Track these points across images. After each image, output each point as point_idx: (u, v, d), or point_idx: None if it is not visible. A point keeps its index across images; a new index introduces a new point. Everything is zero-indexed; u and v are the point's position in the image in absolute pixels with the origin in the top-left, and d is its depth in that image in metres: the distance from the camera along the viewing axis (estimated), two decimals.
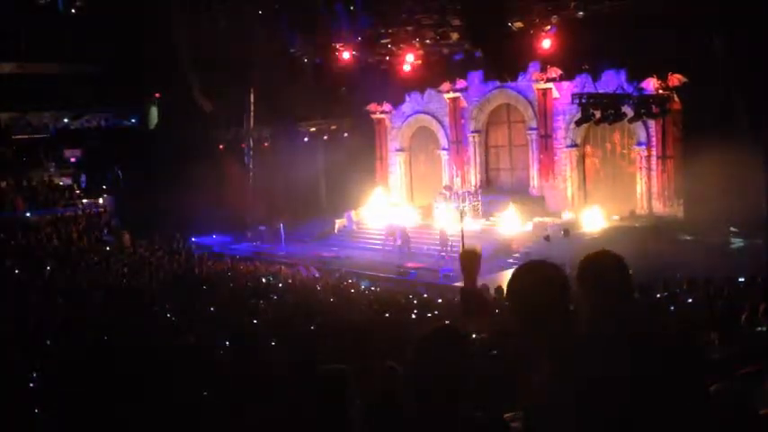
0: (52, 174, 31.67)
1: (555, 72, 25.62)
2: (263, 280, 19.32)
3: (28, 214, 27.87)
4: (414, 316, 13.29)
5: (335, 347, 9.59)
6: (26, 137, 31.38)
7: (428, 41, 27.90)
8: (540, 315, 2.46)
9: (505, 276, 14.83)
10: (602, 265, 2.73)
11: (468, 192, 27.74)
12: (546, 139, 26.57)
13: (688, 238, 21.36)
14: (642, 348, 2.49)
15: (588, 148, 26.27)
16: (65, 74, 30.71)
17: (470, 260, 5.38)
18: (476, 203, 26.90)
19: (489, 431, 2.47)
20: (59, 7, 28.30)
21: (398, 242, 25.97)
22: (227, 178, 31.36)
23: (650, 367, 2.45)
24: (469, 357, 2.43)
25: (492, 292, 13.41)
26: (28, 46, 28.74)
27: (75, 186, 31.77)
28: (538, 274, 2.55)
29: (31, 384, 8.03)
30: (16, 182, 29.81)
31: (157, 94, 34.29)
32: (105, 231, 29.05)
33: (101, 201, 30.96)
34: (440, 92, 29.59)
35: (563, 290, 2.50)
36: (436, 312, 13.55)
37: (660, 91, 22.87)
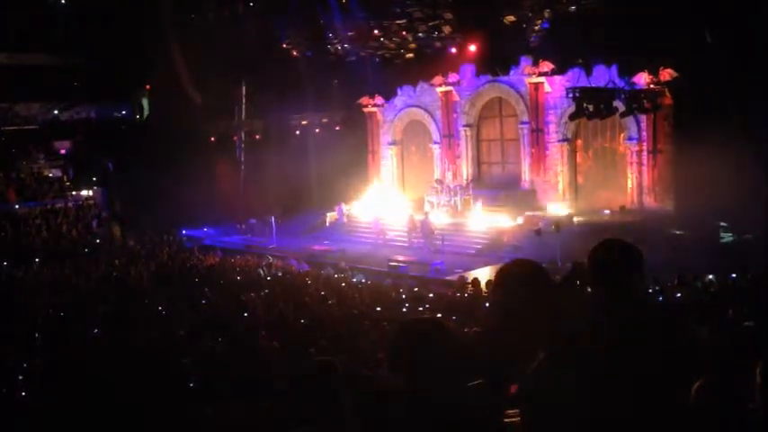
0: (41, 165, 31.47)
1: (547, 66, 25.63)
2: (254, 273, 19.26)
3: (17, 206, 27.71)
4: (405, 310, 13.31)
5: (326, 340, 9.60)
6: (15, 128, 31.15)
7: (420, 35, 27.85)
8: (523, 312, 2.45)
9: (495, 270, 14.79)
10: (609, 254, 2.68)
11: (460, 185, 27.74)
12: (537, 134, 26.57)
13: (678, 232, 21.43)
14: (639, 343, 2.48)
15: (579, 143, 26.30)
16: (54, 65, 30.49)
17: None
18: (467, 197, 26.91)
19: (475, 423, 2.45)
20: None
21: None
22: (219, 171, 31.26)
23: (647, 363, 2.44)
24: (448, 347, 2.40)
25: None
26: (17, 37, 28.47)
27: (65, 178, 31.59)
28: (521, 271, 2.54)
29: (21, 377, 7.99)
30: (5, 173, 29.60)
31: (148, 86, 34.12)
32: (95, 223, 28.93)
33: (90, 193, 30.79)
34: (432, 85, 29.53)
35: (546, 287, 2.48)
36: (427, 306, 13.58)
37: (651, 86, 22.91)
